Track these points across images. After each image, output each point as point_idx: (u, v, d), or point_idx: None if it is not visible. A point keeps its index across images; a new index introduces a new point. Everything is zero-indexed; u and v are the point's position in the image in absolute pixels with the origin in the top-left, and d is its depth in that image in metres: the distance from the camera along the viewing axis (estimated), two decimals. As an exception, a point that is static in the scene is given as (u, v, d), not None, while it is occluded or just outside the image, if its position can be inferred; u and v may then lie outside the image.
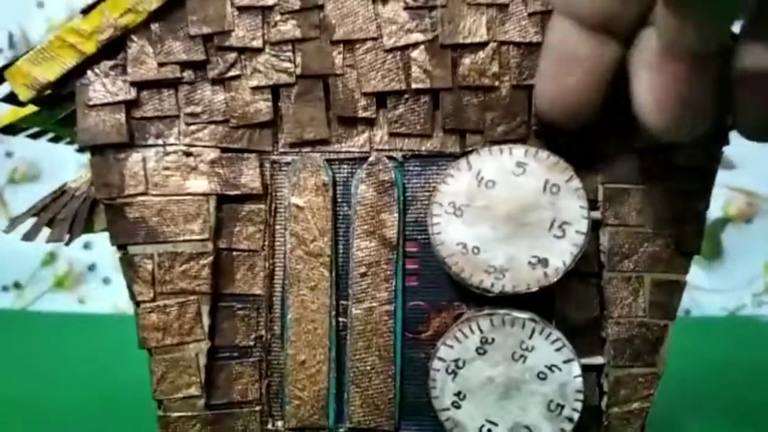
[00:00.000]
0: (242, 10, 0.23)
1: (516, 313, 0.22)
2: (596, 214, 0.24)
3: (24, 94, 0.22)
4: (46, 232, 0.26)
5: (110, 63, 0.22)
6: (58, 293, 0.71)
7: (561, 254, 0.22)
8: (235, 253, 0.23)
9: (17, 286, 0.72)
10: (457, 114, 0.23)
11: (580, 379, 0.22)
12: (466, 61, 0.23)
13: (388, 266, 0.23)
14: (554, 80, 0.21)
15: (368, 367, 0.23)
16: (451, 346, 0.22)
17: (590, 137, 0.23)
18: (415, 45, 0.23)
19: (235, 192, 0.23)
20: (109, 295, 0.68)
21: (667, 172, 0.23)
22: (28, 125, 0.28)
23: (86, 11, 0.22)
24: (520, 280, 0.22)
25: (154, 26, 0.22)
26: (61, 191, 0.27)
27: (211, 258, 0.23)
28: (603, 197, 0.24)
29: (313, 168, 0.23)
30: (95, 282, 0.70)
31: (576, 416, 0.22)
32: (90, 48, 0.22)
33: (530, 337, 0.22)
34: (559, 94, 0.21)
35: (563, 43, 0.20)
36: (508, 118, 0.23)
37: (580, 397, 0.22)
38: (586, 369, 0.24)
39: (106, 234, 0.23)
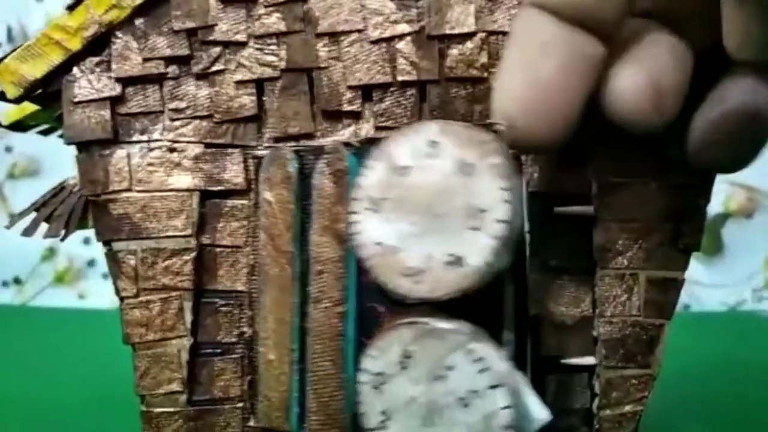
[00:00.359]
0: (226, 3, 0.22)
1: (438, 323, 0.19)
2: (588, 209, 0.23)
3: (11, 92, 0.22)
4: (45, 227, 0.27)
5: (96, 59, 0.22)
6: (57, 289, 0.72)
7: (480, 250, 0.18)
8: (218, 249, 0.23)
9: (17, 281, 0.73)
10: (445, 107, 0.23)
11: (508, 412, 0.18)
12: (454, 52, 0.22)
13: (341, 263, 0.22)
14: (525, 70, 0.18)
15: (323, 373, 0.22)
16: (375, 357, 0.19)
17: (582, 129, 0.22)
18: (402, 36, 0.22)
19: (219, 188, 0.23)
20: (108, 291, 0.67)
21: (664, 165, 0.22)
22: (35, 122, 0.29)
23: (71, 8, 0.22)
24: (438, 283, 0.18)
25: (138, 21, 0.22)
26: (61, 187, 0.27)
27: (193, 254, 0.22)
28: (596, 191, 0.23)
29: (281, 161, 0.22)
30: (95, 277, 0.71)
31: None
32: (75, 45, 0.22)
33: (452, 353, 0.18)
34: (531, 87, 0.18)
35: (537, 32, 0.18)
36: (496, 111, 0.23)
37: None
38: (577, 369, 0.23)
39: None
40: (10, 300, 0.72)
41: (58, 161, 0.65)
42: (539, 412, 0.19)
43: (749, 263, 0.66)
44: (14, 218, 0.27)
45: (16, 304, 0.72)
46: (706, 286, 0.64)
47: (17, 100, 0.23)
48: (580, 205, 0.23)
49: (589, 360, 0.23)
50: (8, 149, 0.71)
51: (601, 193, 0.23)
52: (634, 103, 0.18)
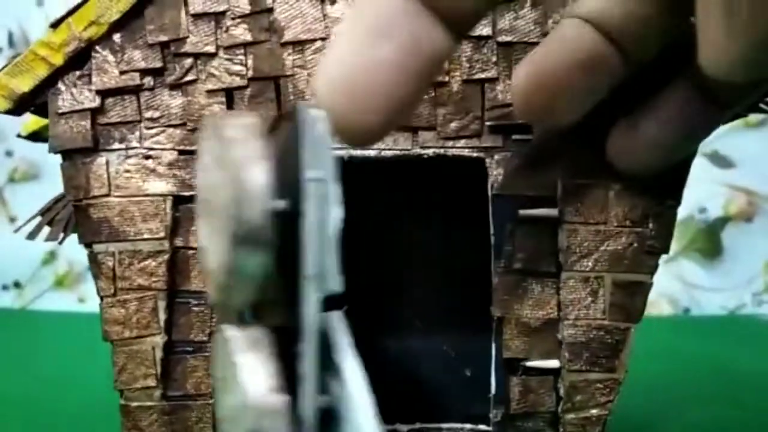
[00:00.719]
0: (196, 17, 0.23)
1: (228, 329, 0.17)
2: (553, 212, 0.23)
3: (2, 105, 0.24)
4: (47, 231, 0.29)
5: (78, 73, 0.24)
6: (58, 292, 0.71)
7: (222, 252, 0.17)
8: (190, 251, 0.24)
9: (17, 285, 0.72)
10: (408, 111, 0.23)
11: None
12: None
13: None
14: (358, 48, 0.15)
15: None
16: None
17: (548, 131, 0.22)
18: (365, 43, 0.23)
19: (191, 192, 0.24)
20: None
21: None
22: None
23: (55, 25, 0.24)
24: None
25: (116, 36, 0.24)
26: (63, 194, 0.29)
27: (167, 256, 0.24)
28: (561, 193, 0.23)
29: None
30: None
31: None
32: (59, 60, 0.24)
33: (227, 364, 0.17)
34: (362, 69, 0.15)
35: (378, 8, 0.15)
36: (460, 114, 0.23)
37: None
38: (542, 372, 0.23)
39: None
40: (9, 304, 0.72)
41: (58, 166, 0.68)
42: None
43: (749, 267, 0.64)
44: (26, 223, 0.29)
45: (15, 308, 0.71)
46: (706, 290, 0.64)
47: (12, 112, 0.25)
48: (544, 208, 0.23)
49: (553, 363, 0.23)
50: (8, 154, 0.71)
51: (566, 195, 0.23)
52: (523, 100, 0.18)
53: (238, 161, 0.17)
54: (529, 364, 0.23)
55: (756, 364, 0.41)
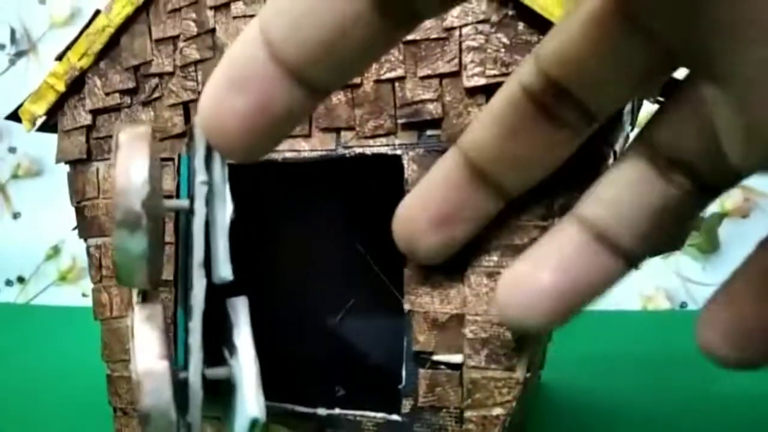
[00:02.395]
0: (158, 42, 0.27)
1: None
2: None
3: (27, 127, 0.30)
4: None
5: (77, 97, 0.29)
6: (61, 287, 0.72)
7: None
8: (157, 245, 0.27)
9: (21, 280, 0.73)
10: (329, 113, 0.24)
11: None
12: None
13: None
14: (217, 98, 0.15)
15: None
16: None
17: (456, 124, 0.22)
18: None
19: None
20: None
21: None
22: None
23: (59, 58, 0.29)
24: None
25: (101, 64, 0.28)
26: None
27: (138, 249, 0.27)
28: None
29: None
30: None
31: None
32: (62, 87, 0.29)
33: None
34: (219, 117, 0.15)
35: (239, 57, 0.15)
36: (375, 114, 0.24)
37: None
38: (450, 367, 0.23)
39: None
40: (14, 298, 0.72)
41: (60, 164, 0.70)
42: (252, 408, 0.20)
43: (746, 263, 0.56)
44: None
45: (19, 303, 0.72)
46: (703, 285, 0.63)
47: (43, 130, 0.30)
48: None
49: (457, 358, 0.23)
50: (12, 150, 0.71)
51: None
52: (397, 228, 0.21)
53: (123, 160, 0.20)
54: (436, 358, 0.23)
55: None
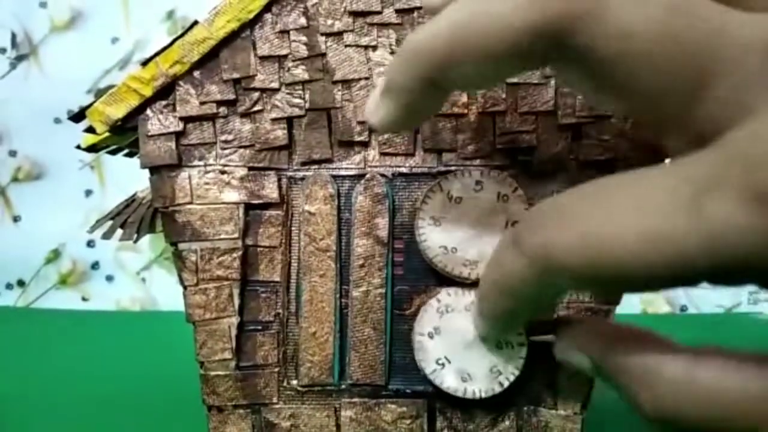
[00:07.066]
0: (263, 59, 0.29)
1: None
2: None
3: (100, 129, 0.29)
4: (119, 232, 0.34)
5: (163, 103, 0.29)
6: (61, 291, 0.71)
7: None
8: (259, 248, 0.29)
9: (21, 283, 0.72)
10: (434, 136, 0.29)
11: (522, 361, 0.27)
12: (441, 94, 0.29)
13: (381, 259, 0.29)
14: None
15: (365, 337, 0.29)
16: (421, 319, 0.28)
17: (546, 153, 0.29)
18: (400, 82, 0.29)
19: (259, 201, 0.29)
20: (111, 293, 0.69)
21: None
22: (106, 145, 0.36)
23: (145, 63, 0.29)
24: None
25: (196, 73, 0.29)
26: (132, 199, 0.34)
27: (240, 252, 0.29)
28: None
29: (322, 182, 0.29)
30: (98, 280, 0.71)
31: (507, 384, 0.27)
32: (148, 92, 0.29)
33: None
34: None
35: None
36: (476, 139, 0.29)
37: (516, 372, 0.27)
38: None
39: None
40: (13, 302, 0.72)
41: (60, 165, 0.65)
42: None
43: (744, 267, 0.68)
44: (95, 225, 0.34)
45: (20, 306, 0.71)
46: (702, 289, 0.66)
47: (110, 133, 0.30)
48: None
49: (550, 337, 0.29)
50: (12, 153, 0.70)
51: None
52: None
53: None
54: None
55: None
